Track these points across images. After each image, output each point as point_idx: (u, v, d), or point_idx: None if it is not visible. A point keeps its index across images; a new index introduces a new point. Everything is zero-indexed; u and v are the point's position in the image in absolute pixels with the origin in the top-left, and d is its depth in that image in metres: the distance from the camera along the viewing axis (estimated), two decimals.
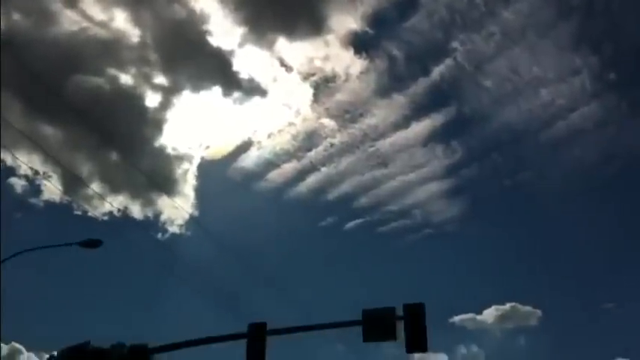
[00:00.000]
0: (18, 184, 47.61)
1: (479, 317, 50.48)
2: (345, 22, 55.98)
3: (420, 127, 54.63)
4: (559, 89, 55.06)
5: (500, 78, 54.59)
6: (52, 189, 42.87)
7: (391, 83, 58.63)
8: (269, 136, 56.28)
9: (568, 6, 55.02)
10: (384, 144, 54.66)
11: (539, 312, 48.82)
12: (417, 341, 16.46)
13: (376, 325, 16.70)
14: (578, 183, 54.75)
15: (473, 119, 57.21)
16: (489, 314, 50.08)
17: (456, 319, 50.08)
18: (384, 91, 60.81)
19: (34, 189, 47.03)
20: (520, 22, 54.75)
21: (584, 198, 54.81)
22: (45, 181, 42.56)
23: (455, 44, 53.72)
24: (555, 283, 51.00)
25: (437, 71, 53.56)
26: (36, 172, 41.04)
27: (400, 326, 16.71)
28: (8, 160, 40.96)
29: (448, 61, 53.53)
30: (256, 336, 17.53)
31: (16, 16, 42.64)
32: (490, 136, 56.43)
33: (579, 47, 57.24)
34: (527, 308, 49.60)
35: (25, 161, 40.02)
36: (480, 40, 54.55)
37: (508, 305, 50.05)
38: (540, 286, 51.41)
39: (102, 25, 45.65)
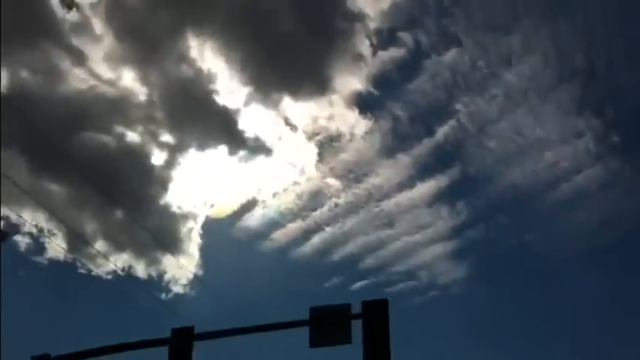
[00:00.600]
0: (22, 242, 46.34)
1: None
2: (350, 82, 56.01)
3: (425, 188, 53.34)
4: (563, 151, 54.15)
5: (504, 139, 53.90)
6: (56, 247, 41.45)
7: (395, 143, 57.75)
8: (274, 195, 55.06)
9: (570, 68, 54.91)
10: (389, 204, 53.24)
11: None
12: (378, 347, 13.15)
13: (326, 325, 13.38)
14: (583, 245, 53.36)
15: (477, 180, 56.18)
16: None
17: None
18: (388, 151, 59.75)
19: (38, 247, 45.68)
20: (522, 85, 54.54)
21: (589, 260, 53.48)
22: (49, 239, 41.02)
23: (458, 106, 53.05)
24: (564, 347, 48.50)
25: (441, 132, 52.49)
26: (40, 230, 39.44)
27: (357, 329, 13.43)
28: (12, 217, 39.60)
29: (452, 122, 52.59)
30: (181, 341, 14.15)
31: (24, 74, 42.52)
32: (495, 197, 55.31)
33: (582, 110, 56.70)
34: None
35: (30, 219, 38.52)
36: (482, 102, 54.11)
37: None
38: (549, 352, 48.95)
39: (110, 83, 45.64)
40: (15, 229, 45.08)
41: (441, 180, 52.86)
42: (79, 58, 49.05)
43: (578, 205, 52.24)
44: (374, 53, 55.79)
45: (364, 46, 56.03)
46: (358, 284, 51.30)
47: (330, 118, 53.99)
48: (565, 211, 53.39)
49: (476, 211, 54.07)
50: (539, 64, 53.30)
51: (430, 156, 53.36)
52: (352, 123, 54.53)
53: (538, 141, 54.06)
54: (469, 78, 55.22)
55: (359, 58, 53.93)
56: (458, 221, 53.24)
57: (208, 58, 51.75)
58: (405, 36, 58.41)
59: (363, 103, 55.63)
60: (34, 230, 43.10)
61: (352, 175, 53.26)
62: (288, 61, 49.35)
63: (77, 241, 34.49)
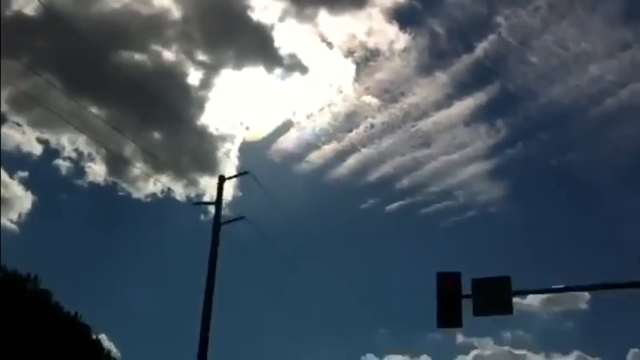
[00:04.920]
0: (63, 165, 47.90)
1: (524, 301, 44.10)
2: None
3: (463, 106, 52.60)
4: (608, 64, 52.20)
5: (547, 53, 52.47)
6: (97, 171, 44.60)
7: (433, 60, 58.46)
8: (308, 116, 55.54)
9: None
10: (426, 123, 53.10)
11: (587, 295, 43.45)
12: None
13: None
14: (628, 162, 52.79)
15: (518, 97, 55.80)
16: (535, 298, 37.94)
17: None
18: (426, 68, 59.74)
19: (79, 171, 47.66)
20: None
21: (634, 177, 52.66)
22: (89, 163, 45.17)
23: (499, 19, 51.91)
24: (603, 264, 45.59)
25: (480, 47, 51.47)
26: (80, 154, 43.93)
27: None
28: (53, 141, 45.05)
29: (492, 37, 51.55)
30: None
31: None
32: (536, 114, 54.32)
33: (629, 21, 55.57)
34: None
35: (68, 143, 41.71)
36: (525, 15, 52.98)
37: None
38: (588, 269, 47.13)
39: (144, 1, 45.66)
40: (55, 154, 46.07)
41: (479, 98, 52.31)
42: None
43: (624, 120, 51.28)
44: None
45: None
46: (394, 205, 52.38)
47: (369, 33, 53.13)
48: (609, 127, 52.00)
49: (516, 129, 53.68)
50: None
51: (469, 73, 52.67)
52: (391, 38, 53.86)
53: (582, 54, 52.64)
54: None
55: None
56: (497, 140, 53.08)
57: None
58: None
59: (403, 17, 54.96)
60: (74, 154, 44.93)
61: (388, 94, 53.52)
62: None
63: (117, 163, 36.85)
